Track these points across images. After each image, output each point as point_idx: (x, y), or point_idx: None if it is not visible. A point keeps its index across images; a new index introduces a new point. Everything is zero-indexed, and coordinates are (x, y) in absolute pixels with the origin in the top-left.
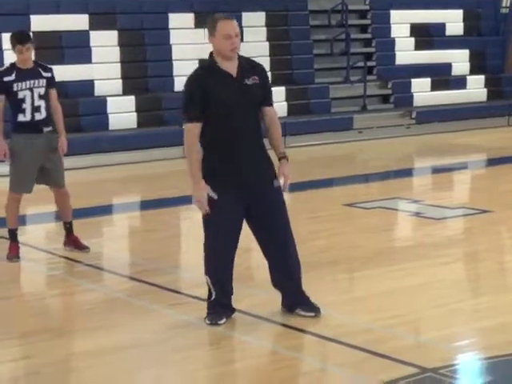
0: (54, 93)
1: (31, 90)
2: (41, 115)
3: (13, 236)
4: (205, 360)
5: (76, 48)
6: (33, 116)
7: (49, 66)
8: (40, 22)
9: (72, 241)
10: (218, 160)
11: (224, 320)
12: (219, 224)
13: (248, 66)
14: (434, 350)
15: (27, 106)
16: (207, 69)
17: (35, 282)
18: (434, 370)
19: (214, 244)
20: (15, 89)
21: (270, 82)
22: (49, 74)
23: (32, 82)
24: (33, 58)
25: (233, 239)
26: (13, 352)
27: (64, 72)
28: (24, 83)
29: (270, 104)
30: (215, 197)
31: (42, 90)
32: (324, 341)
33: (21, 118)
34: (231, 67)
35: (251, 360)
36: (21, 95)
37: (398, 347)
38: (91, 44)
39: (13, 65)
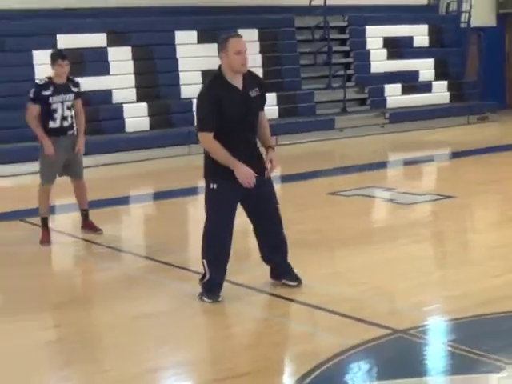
0: (79, 102)
1: (62, 102)
2: (67, 122)
3: (44, 223)
4: (210, 325)
5: (96, 62)
6: (61, 123)
7: (78, 81)
8: (65, 41)
9: (87, 224)
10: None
11: (221, 297)
12: (221, 212)
13: (249, 78)
14: (405, 315)
15: (58, 115)
16: (217, 83)
17: (63, 262)
18: (404, 331)
19: (215, 229)
20: (50, 101)
21: None
22: (76, 89)
23: (64, 96)
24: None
25: (231, 225)
26: (48, 321)
27: (86, 83)
28: (57, 97)
29: (263, 109)
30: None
31: (70, 103)
32: (310, 308)
33: (51, 124)
34: (237, 81)
35: (247, 325)
36: (54, 107)
37: (374, 313)
38: (109, 59)
39: (49, 79)
